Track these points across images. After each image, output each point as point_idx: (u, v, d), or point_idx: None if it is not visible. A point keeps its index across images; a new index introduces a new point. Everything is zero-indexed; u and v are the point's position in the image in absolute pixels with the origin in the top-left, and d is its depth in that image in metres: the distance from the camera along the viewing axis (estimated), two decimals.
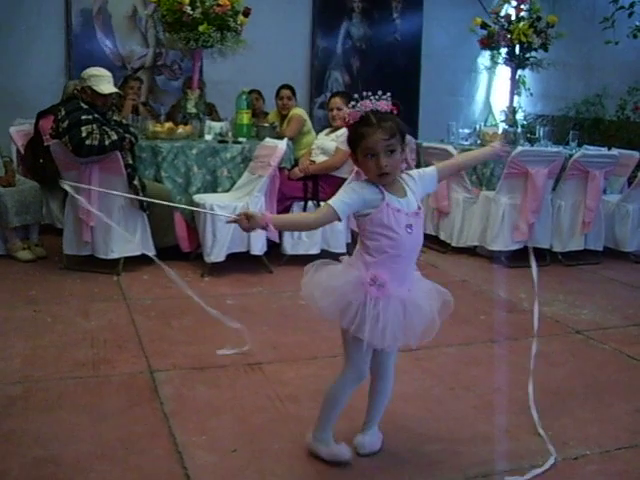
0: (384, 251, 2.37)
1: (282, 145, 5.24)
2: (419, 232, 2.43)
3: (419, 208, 2.43)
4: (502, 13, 7.05)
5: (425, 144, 6.65)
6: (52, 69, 7.57)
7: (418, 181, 2.48)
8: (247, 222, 2.33)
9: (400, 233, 2.36)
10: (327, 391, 2.59)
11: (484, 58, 8.04)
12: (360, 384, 2.56)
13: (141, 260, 5.20)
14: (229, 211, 5.04)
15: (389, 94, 2.39)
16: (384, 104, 2.36)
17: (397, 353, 2.66)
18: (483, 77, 9.59)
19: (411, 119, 9.05)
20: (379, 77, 8.93)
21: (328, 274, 2.44)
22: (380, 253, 2.38)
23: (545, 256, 5.86)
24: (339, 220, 2.41)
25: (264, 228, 2.35)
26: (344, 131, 2.66)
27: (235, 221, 2.36)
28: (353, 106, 2.36)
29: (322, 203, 5.46)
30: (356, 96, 2.39)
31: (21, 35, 7.42)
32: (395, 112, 2.38)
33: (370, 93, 2.37)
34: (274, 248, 5.46)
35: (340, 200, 2.36)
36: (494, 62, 7.45)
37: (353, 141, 2.39)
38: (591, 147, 6.62)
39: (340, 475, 2.51)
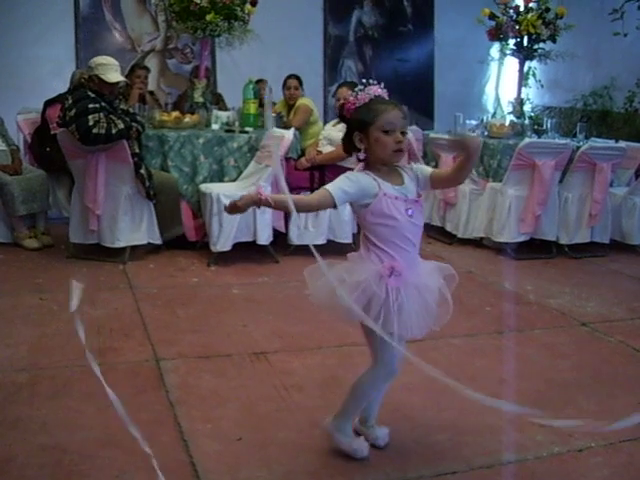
0: (391, 240, 2.36)
1: (289, 135, 5.23)
2: (420, 218, 2.43)
3: (419, 196, 2.43)
4: (511, 4, 7.02)
5: (432, 135, 6.62)
6: (60, 52, 7.53)
7: (416, 172, 2.47)
8: (240, 201, 2.27)
9: (400, 219, 2.36)
10: (356, 384, 2.54)
11: (496, 49, 7.99)
12: (392, 380, 2.55)
13: (147, 249, 5.22)
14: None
15: (382, 84, 2.44)
16: (385, 93, 2.41)
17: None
18: (495, 68, 9.54)
19: (426, 109, 9.05)
20: (393, 66, 8.92)
21: (344, 273, 2.35)
22: (388, 242, 2.36)
23: (552, 248, 5.86)
24: (335, 207, 2.36)
25: (258, 202, 2.25)
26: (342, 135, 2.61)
27: (232, 207, 2.30)
28: (357, 92, 2.38)
29: None
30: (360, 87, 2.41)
31: (28, 19, 7.38)
32: None
33: (367, 80, 2.42)
34: (280, 238, 5.46)
35: (337, 187, 2.33)
36: (502, 53, 7.42)
37: (364, 120, 2.36)
38: (599, 139, 6.60)
39: (345, 465, 2.51)
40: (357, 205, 2.38)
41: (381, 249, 2.37)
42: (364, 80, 2.43)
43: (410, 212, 2.38)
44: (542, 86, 9.14)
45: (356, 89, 2.40)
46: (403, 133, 2.37)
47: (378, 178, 2.37)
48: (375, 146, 2.37)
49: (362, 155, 2.43)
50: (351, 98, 2.40)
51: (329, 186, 2.34)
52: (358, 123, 2.39)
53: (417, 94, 9.00)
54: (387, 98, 2.41)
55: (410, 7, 9.22)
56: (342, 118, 2.50)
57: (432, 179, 2.48)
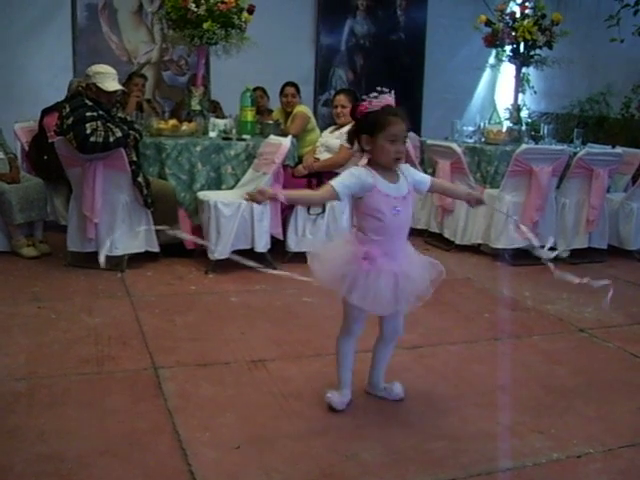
0: (374, 230, 2.72)
1: (286, 142, 5.23)
2: (406, 214, 2.78)
3: (408, 193, 2.77)
4: (507, 10, 7.05)
5: (429, 142, 6.63)
6: (57, 64, 7.52)
7: (412, 174, 2.84)
8: (260, 195, 2.65)
9: (387, 214, 2.70)
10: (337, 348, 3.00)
11: (489, 56, 8.03)
12: (353, 340, 2.95)
13: (145, 257, 5.22)
14: (233, 208, 5.05)
15: (393, 91, 2.72)
16: (394, 101, 2.72)
17: (400, 351, 2.73)
18: (487, 75, 9.58)
19: (415, 116, 9.06)
20: (383, 74, 8.90)
21: (328, 248, 3.07)
22: (372, 232, 2.73)
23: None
24: (338, 199, 2.75)
25: (274, 198, 2.69)
26: (349, 128, 2.87)
27: (252, 198, 2.69)
28: (372, 98, 2.68)
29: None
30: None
31: (26, 30, 7.41)
32: None
33: (380, 89, 2.69)
34: (278, 245, 5.46)
35: (340, 182, 2.70)
36: (498, 60, 7.45)
37: (376, 125, 2.65)
38: (595, 145, 6.61)
39: (343, 471, 2.51)
40: (355, 197, 2.74)
41: (365, 235, 2.74)
42: (378, 88, 2.69)
43: (396, 210, 2.72)
44: (535, 92, 9.16)
45: (372, 95, 2.68)
46: (404, 142, 2.71)
47: (377, 174, 2.71)
48: (380, 151, 2.69)
49: (366, 156, 2.74)
50: (365, 102, 2.69)
51: (333, 181, 2.71)
52: (369, 127, 2.69)
53: (405, 101, 8.98)
54: (394, 106, 2.70)
55: (403, 16, 9.27)
56: (352, 117, 2.80)
57: (432, 185, 2.93)
